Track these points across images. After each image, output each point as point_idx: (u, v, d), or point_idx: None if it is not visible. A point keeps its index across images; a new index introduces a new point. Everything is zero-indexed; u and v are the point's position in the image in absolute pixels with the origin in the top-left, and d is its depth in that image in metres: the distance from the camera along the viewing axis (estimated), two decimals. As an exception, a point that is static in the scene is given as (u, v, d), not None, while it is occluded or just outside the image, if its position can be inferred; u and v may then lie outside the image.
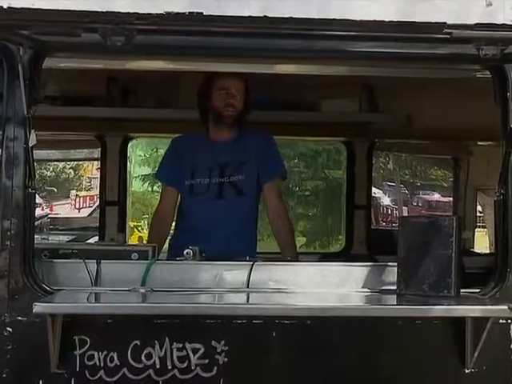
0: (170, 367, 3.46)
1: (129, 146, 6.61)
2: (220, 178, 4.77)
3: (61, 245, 4.51)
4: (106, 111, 6.06)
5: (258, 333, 3.49)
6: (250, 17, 2.87)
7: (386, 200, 23.17)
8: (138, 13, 2.86)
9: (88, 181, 23.83)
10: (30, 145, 3.45)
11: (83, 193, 23.09)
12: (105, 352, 3.43)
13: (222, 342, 3.47)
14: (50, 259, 3.78)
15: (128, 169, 6.72)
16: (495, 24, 3.04)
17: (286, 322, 3.48)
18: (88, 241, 6.85)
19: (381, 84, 5.97)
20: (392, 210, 22.18)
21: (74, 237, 7.14)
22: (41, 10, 2.87)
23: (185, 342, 3.46)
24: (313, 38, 3.22)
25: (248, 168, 4.79)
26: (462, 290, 3.62)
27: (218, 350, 3.47)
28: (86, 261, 3.71)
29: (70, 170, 24.77)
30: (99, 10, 2.88)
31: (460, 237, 3.53)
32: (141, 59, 3.84)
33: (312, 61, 3.60)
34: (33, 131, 3.45)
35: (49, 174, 26.17)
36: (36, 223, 7.61)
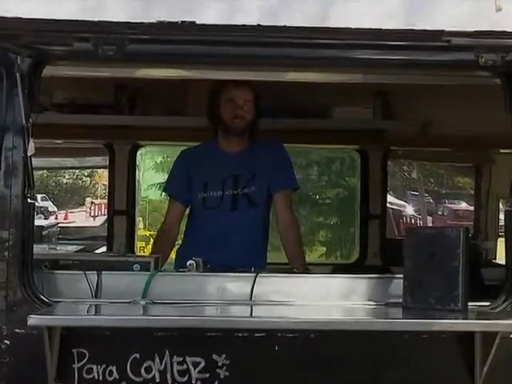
0: (170, 381, 3.48)
1: (138, 154, 6.66)
2: (234, 190, 4.81)
3: (61, 255, 4.54)
4: (114, 119, 6.10)
5: (260, 346, 3.51)
6: (243, 25, 2.90)
7: (409, 210, 23.11)
8: (129, 22, 2.91)
9: (103, 188, 23.98)
10: (29, 154, 3.49)
11: (99, 200, 23.20)
12: (104, 365, 3.47)
13: (223, 356, 3.49)
14: (50, 270, 3.81)
15: (137, 177, 6.76)
16: (494, 31, 3.04)
17: (288, 335, 3.50)
18: (97, 251, 6.88)
19: (395, 90, 5.97)
20: (416, 220, 22.11)
21: (82, 247, 7.17)
22: (32, 19, 2.93)
23: (185, 355, 3.48)
24: (313, 46, 3.24)
25: (259, 179, 4.83)
26: (470, 304, 3.62)
27: (219, 364, 3.49)
28: (87, 272, 3.75)
29: (86, 178, 24.97)
30: (91, 19, 2.94)
31: (468, 248, 3.53)
32: (144, 67, 3.90)
33: (315, 69, 3.64)
34: (31, 140, 3.49)
35: (65, 181, 26.41)
36: (44, 233, 7.70)
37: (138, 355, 3.47)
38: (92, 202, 23.01)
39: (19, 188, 3.49)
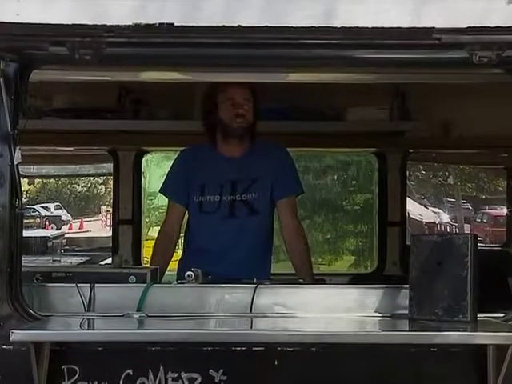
0: (164, 398, 3.52)
1: (143, 160, 6.71)
2: (231, 196, 4.83)
3: (54, 267, 4.61)
4: (118, 124, 6.13)
5: (259, 361, 3.52)
6: (223, 26, 2.94)
7: (444, 217, 23.03)
8: (106, 25, 2.96)
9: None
10: (16, 162, 3.54)
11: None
12: (95, 382, 3.50)
13: (221, 371, 3.52)
14: (42, 283, 3.86)
15: (143, 185, 6.80)
16: (488, 27, 3.05)
17: (288, 349, 3.51)
18: (102, 262, 6.97)
19: (413, 90, 5.98)
20: (451, 228, 22.02)
21: (88, 258, 7.26)
22: (6, 23, 2.99)
23: (180, 370, 3.51)
24: (307, 46, 3.28)
25: (261, 185, 4.85)
26: (483, 315, 3.63)
27: (217, 380, 3.51)
28: (80, 285, 3.80)
29: (101, 185, 25.08)
30: (66, 22, 2.98)
31: (476, 256, 3.55)
32: (148, 70, 3.95)
33: (307, 69, 3.68)
34: (18, 148, 3.54)
35: (79, 189, 26.58)
36: (49, 244, 7.79)
37: (131, 371, 3.50)
38: (108, 211, 23.06)
39: (6, 198, 3.55)
